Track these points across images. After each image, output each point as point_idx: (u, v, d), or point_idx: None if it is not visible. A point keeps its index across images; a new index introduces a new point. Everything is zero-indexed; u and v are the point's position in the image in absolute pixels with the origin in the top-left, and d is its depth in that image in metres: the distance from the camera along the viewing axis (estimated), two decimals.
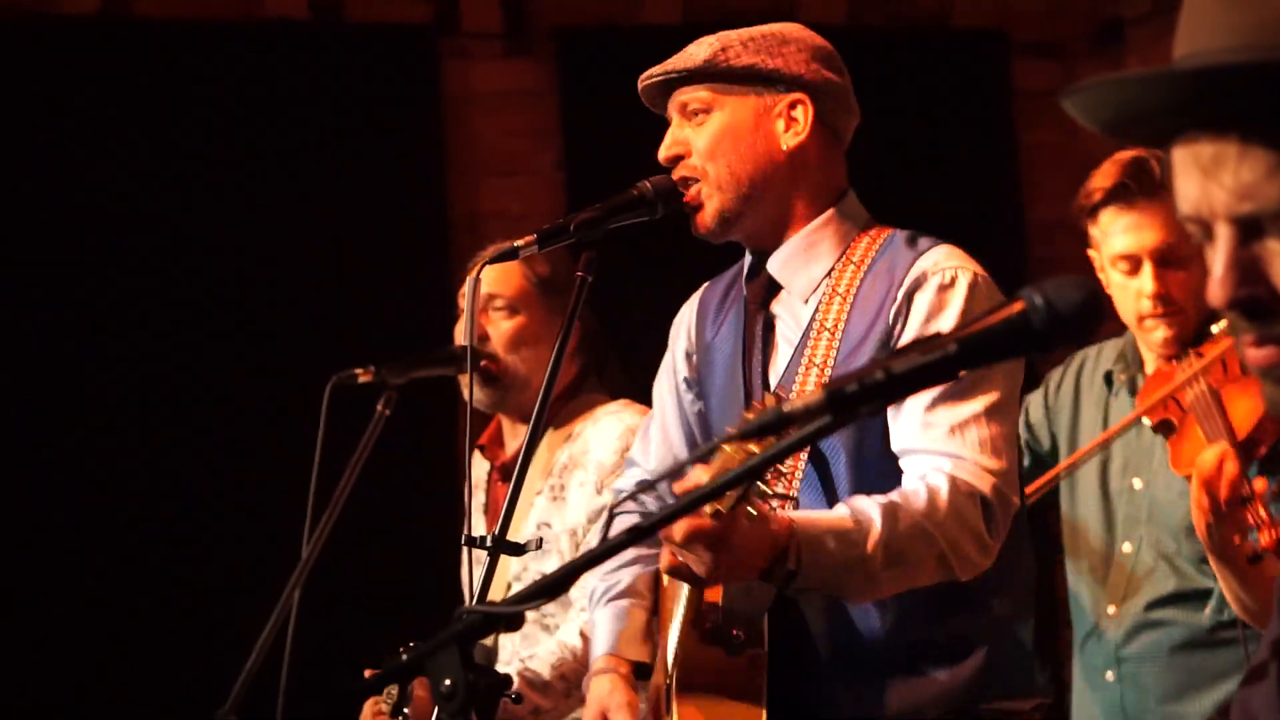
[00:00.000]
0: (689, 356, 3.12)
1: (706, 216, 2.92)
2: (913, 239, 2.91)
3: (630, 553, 3.09)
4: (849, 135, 3.01)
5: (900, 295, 2.80)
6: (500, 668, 3.55)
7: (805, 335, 2.88)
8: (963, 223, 3.63)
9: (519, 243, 2.84)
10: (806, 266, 2.93)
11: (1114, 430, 3.64)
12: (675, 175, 2.94)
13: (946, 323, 2.76)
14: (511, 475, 2.85)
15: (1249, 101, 1.42)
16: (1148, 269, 3.52)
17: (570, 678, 3.62)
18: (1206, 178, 1.45)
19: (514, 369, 3.85)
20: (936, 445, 2.71)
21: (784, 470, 2.76)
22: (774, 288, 2.98)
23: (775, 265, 2.96)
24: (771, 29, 2.94)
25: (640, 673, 3.05)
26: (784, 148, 2.91)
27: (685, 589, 2.79)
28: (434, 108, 5.83)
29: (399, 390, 3.77)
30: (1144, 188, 3.50)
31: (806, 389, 2.81)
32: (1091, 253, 3.67)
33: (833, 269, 2.90)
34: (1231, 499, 2.87)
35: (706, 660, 2.78)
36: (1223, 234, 1.46)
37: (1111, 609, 3.66)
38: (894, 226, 2.97)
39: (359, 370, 3.73)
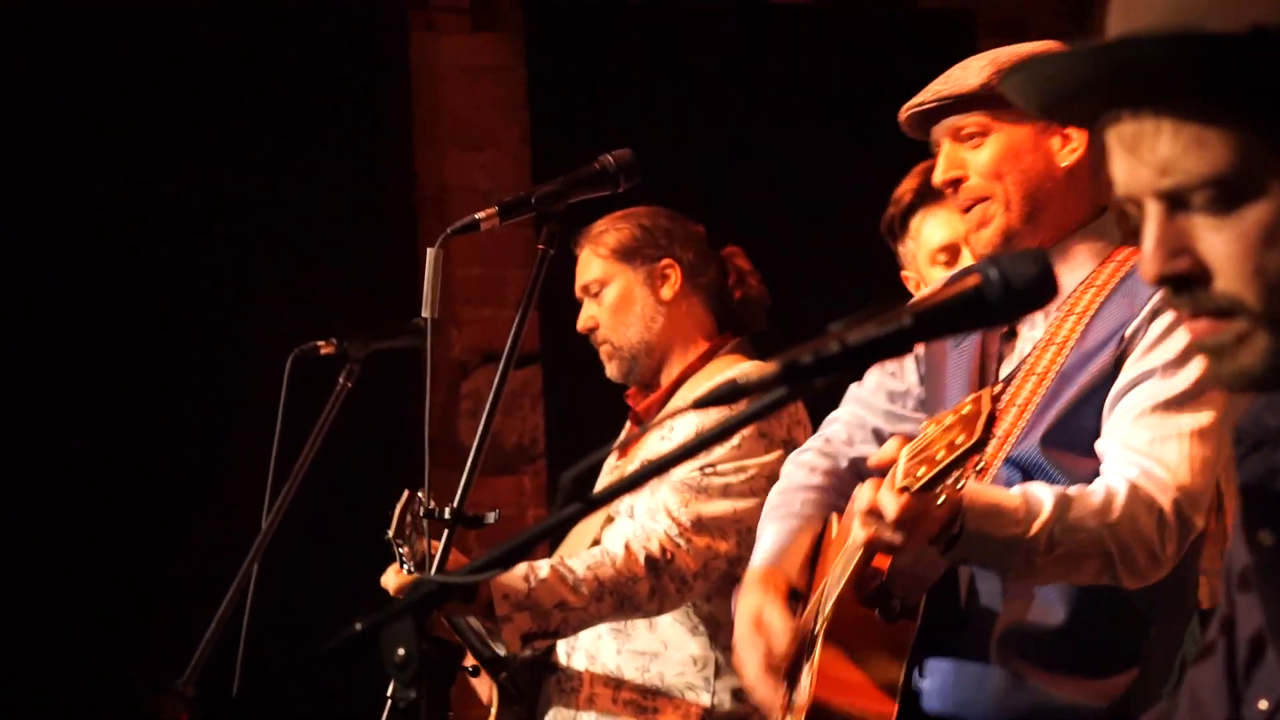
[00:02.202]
0: (917, 360, 3.08)
1: (992, 233, 2.89)
2: None
3: (815, 477, 3.06)
4: None
5: (1144, 314, 2.77)
6: (537, 561, 3.48)
7: (1034, 349, 2.86)
8: None
9: (480, 215, 2.88)
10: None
11: None
12: (961, 200, 2.92)
13: (1169, 350, 2.72)
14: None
15: (1162, 77, 1.44)
16: (967, 254, 3.60)
17: (605, 582, 3.52)
18: (1131, 156, 1.48)
19: (624, 339, 3.86)
20: (1132, 452, 2.69)
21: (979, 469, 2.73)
22: None
23: None
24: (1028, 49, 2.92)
25: (790, 598, 2.97)
26: (1062, 165, 2.89)
27: (855, 548, 2.72)
28: (402, 81, 5.82)
29: (363, 363, 3.77)
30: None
31: (1022, 393, 2.82)
32: (906, 273, 3.78)
33: (1075, 289, 2.87)
34: None
35: (860, 619, 2.77)
36: (1150, 211, 1.48)
37: None
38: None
39: (321, 343, 3.73)
